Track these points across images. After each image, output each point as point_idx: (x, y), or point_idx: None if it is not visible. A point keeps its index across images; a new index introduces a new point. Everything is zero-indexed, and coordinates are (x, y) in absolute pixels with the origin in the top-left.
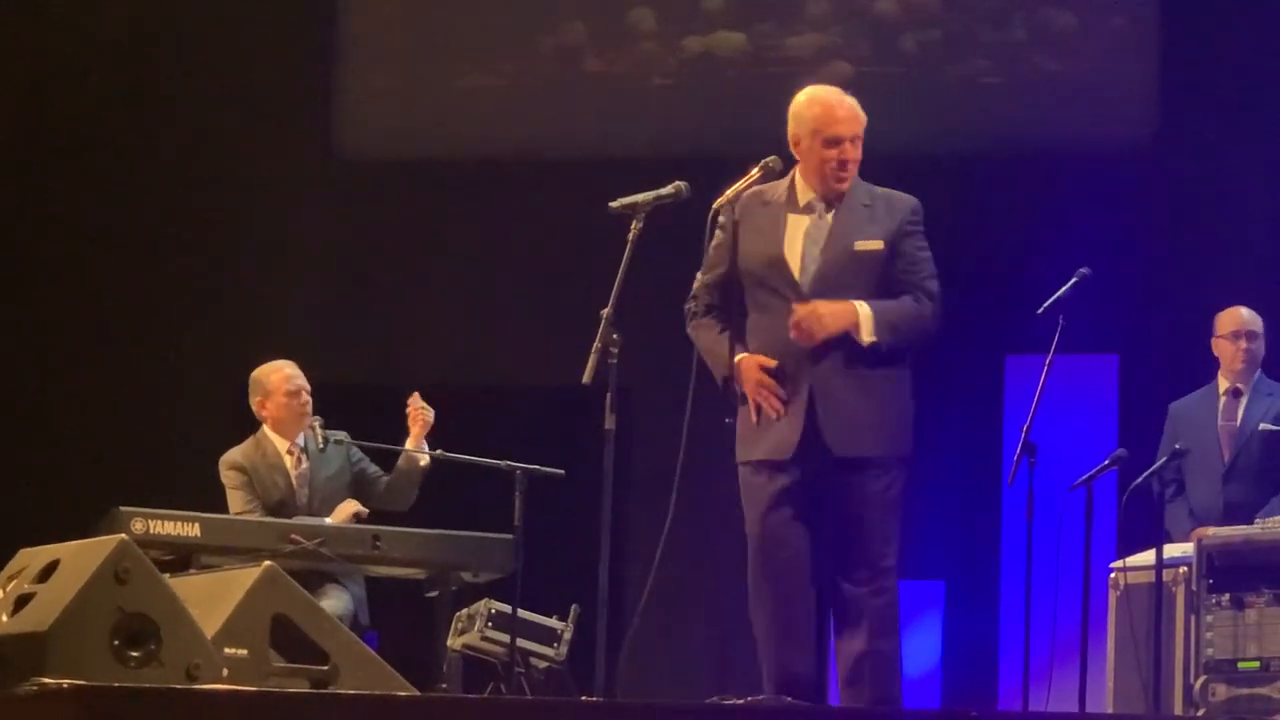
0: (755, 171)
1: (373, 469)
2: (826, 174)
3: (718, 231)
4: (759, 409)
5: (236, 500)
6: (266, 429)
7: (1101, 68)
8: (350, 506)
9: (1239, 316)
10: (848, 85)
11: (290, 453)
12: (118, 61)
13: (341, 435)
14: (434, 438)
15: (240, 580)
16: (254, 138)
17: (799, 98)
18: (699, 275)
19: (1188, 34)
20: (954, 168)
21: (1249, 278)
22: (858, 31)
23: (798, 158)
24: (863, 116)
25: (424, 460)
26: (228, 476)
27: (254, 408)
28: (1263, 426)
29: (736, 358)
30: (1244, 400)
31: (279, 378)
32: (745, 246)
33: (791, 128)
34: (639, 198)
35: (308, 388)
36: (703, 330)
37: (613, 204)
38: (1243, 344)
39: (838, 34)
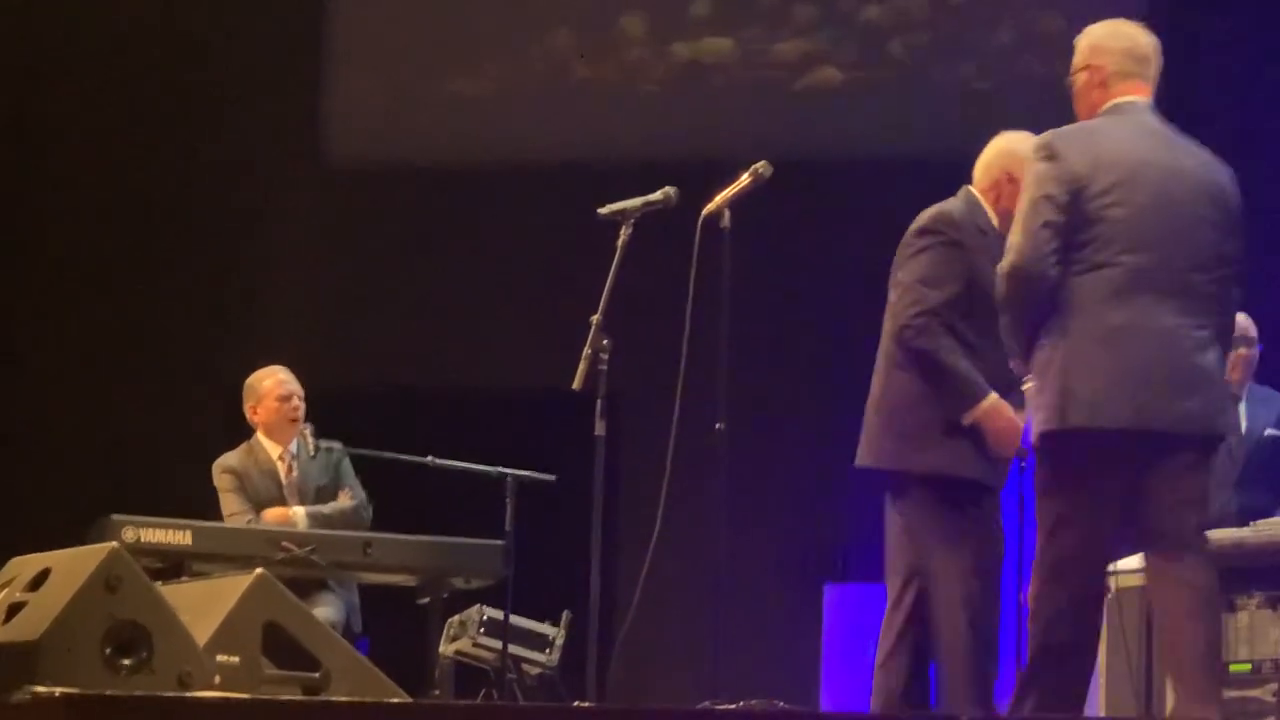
0: (745, 177)
1: (346, 485)
2: None
3: (942, 247)
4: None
5: (229, 502)
6: (259, 435)
7: None
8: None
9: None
10: (833, 92)
11: (282, 459)
12: (111, 70)
13: (336, 444)
14: (425, 444)
15: (232, 588)
16: (244, 145)
17: (1020, 139)
18: (925, 289)
19: (1176, 36)
20: (943, 173)
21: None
22: (845, 37)
23: (991, 194)
24: None
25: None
26: (221, 480)
27: (247, 413)
28: (1269, 432)
29: (992, 397)
30: (1242, 406)
31: (271, 383)
32: (978, 274)
33: (1009, 165)
34: (628, 204)
35: (300, 393)
36: (953, 354)
37: (602, 210)
38: (1241, 350)
39: (825, 39)
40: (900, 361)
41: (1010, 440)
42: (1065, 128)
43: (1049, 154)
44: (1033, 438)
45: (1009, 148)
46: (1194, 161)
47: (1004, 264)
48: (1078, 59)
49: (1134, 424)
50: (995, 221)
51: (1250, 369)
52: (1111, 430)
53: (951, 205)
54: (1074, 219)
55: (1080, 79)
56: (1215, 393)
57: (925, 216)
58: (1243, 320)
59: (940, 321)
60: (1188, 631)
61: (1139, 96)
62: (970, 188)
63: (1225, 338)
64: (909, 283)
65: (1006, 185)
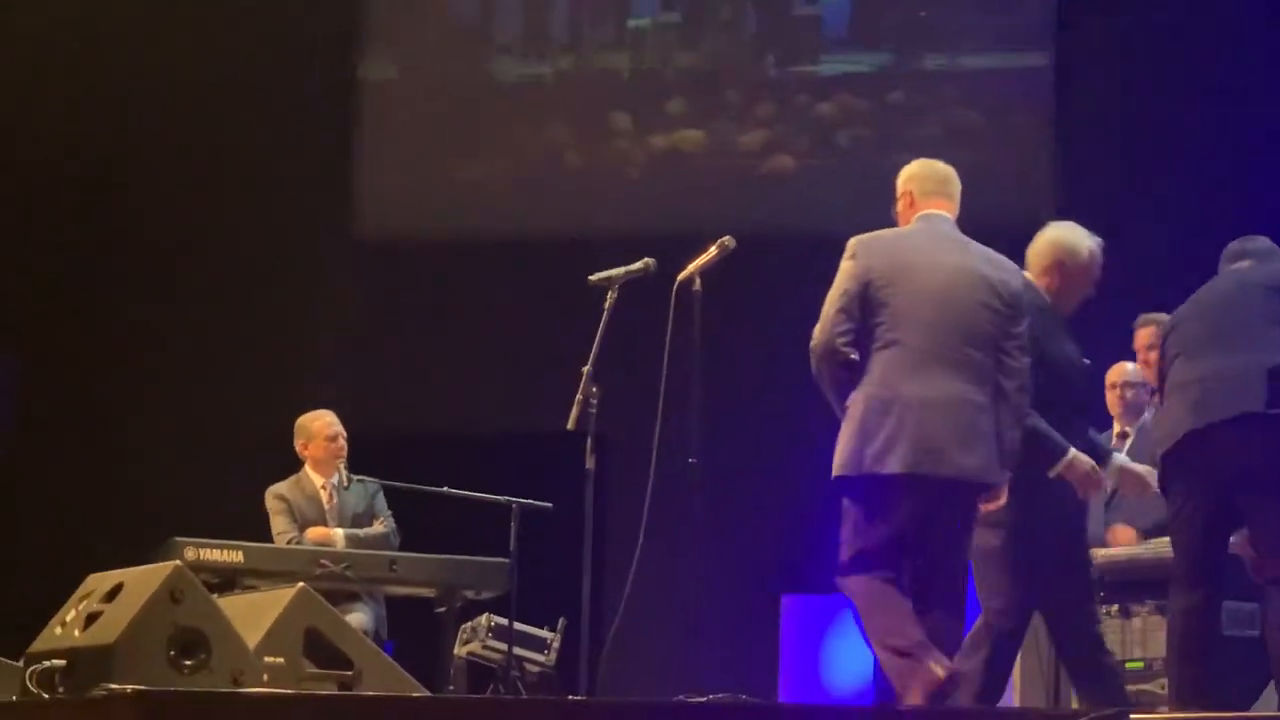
0: (713, 249)
1: (380, 515)
2: (1077, 301)
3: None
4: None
5: (278, 523)
6: (307, 468)
7: (1004, 158)
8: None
9: (1120, 369)
10: (790, 176)
11: (325, 489)
12: (186, 159)
13: (372, 481)
14: (441, 476)
15: (278, 599)
16: (290, 224)
17: (1067, 228)
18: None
19: (1078, 127)
20: None
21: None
22: (799, 129)
23: (1063, 281)
24: None
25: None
26: (272, 504)
27: (297, 449)
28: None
29: (1071, 452)
30: (1129, 441)
31: (320, 424)
32: (1043, 345)
33: (1058, 253)
34: (613, 272)
35: (344, 433)
36: (1033, 417)
37: (591, 277)
38: (1122, 394)
39: (782, 131)
40: None
41: (1094, 485)
42: (873, 233)
43: (851, 255)
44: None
45: (1057, 236)
46: (978, 260)
47: (812, 342)
48: (898, 187)
49: (916, 470)
50: (1050, 300)
51: (1135, 409)
52: (898, 475)
53: None
54: (867, 306)
55: (899, 204)
56: (987, 448)
57: None
58: (1128, 366)
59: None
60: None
61: (942, 211)
62: (1025, 272)
63: (1004, 401)
64: None
65: (1056, 271)
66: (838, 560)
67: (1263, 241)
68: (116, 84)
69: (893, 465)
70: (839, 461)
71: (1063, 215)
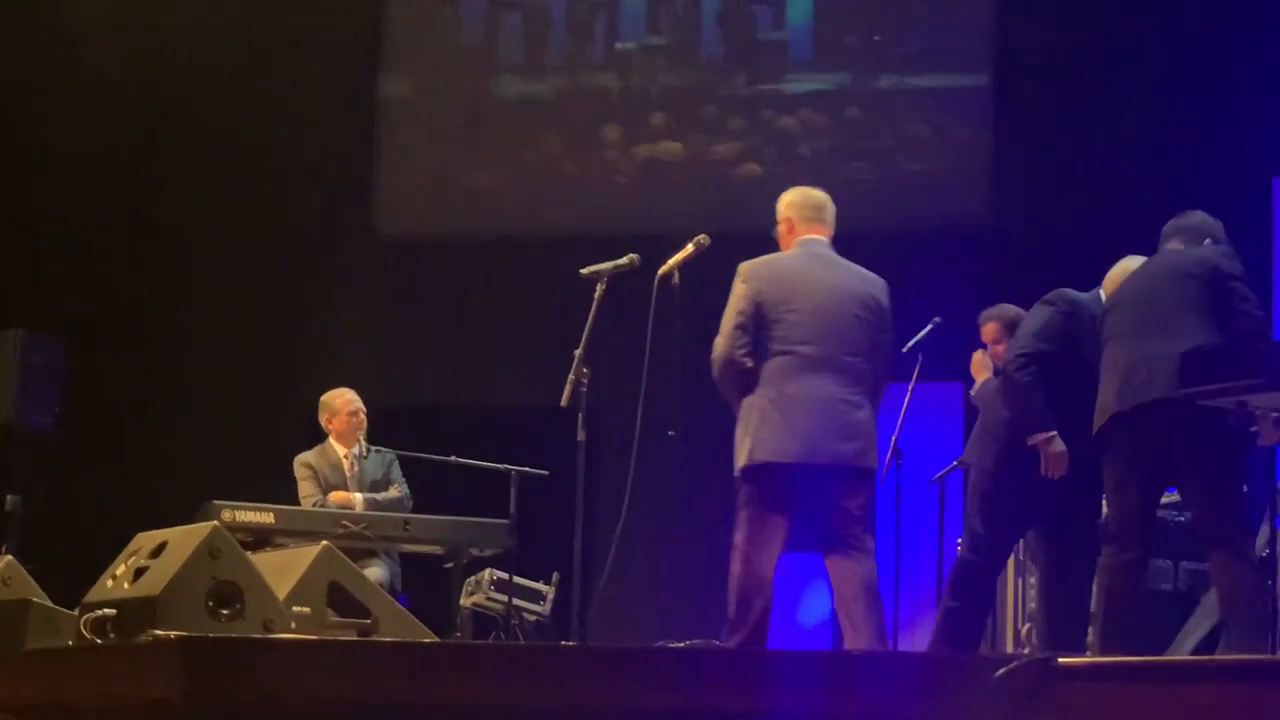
0: (690, 246)
1: (395, 482)
2: None
3: (1059, 315)
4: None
5: (304, 488)
6: (331, 439)
7: (948, 166)
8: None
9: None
10: (759, 182)
11: (347, 458)
12: (223, 166)
13: (389, 451)
14: (449, 447)
15: (304, 556)
16: (317, 224)
17: (1129, 260)
18: (1038, 342)
19: (1015, 139)
20: (841, 245)
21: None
22: (766, 141)
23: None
24: None
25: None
26: (299, 471)
27: (322, 423)
28: None
29: (1052, 431)
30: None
31: (342, 401)
32: (1082, 346)
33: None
34: (602, 266)
35: (364, 409)
36: (1039, 391)
37: (583, 271)
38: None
39: (751, 143)
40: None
41: (1055, 466)
42: (759, 259)
43: (743, 279)
44: (735, 470)
45: (1125, 265)
46: (852, 279)
47: (714, 354)
48: (779, 213)
49: (802, 459)
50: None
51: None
52: (787, 464)
53: (1080, 294)
54: (759, 322)
55: (780, 228)
56: (863, 439)
57: (1055, 292)
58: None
59: (1038, 365)
60: (861, 603)
61: (819, 235)
62: (1099, 289)
63: (875, 398)
64: (1021, 331)
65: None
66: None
67: (1194, 218)
68: (165, 91)
69: (782, 456)
70: (739, 453)
71: (1000, 219)
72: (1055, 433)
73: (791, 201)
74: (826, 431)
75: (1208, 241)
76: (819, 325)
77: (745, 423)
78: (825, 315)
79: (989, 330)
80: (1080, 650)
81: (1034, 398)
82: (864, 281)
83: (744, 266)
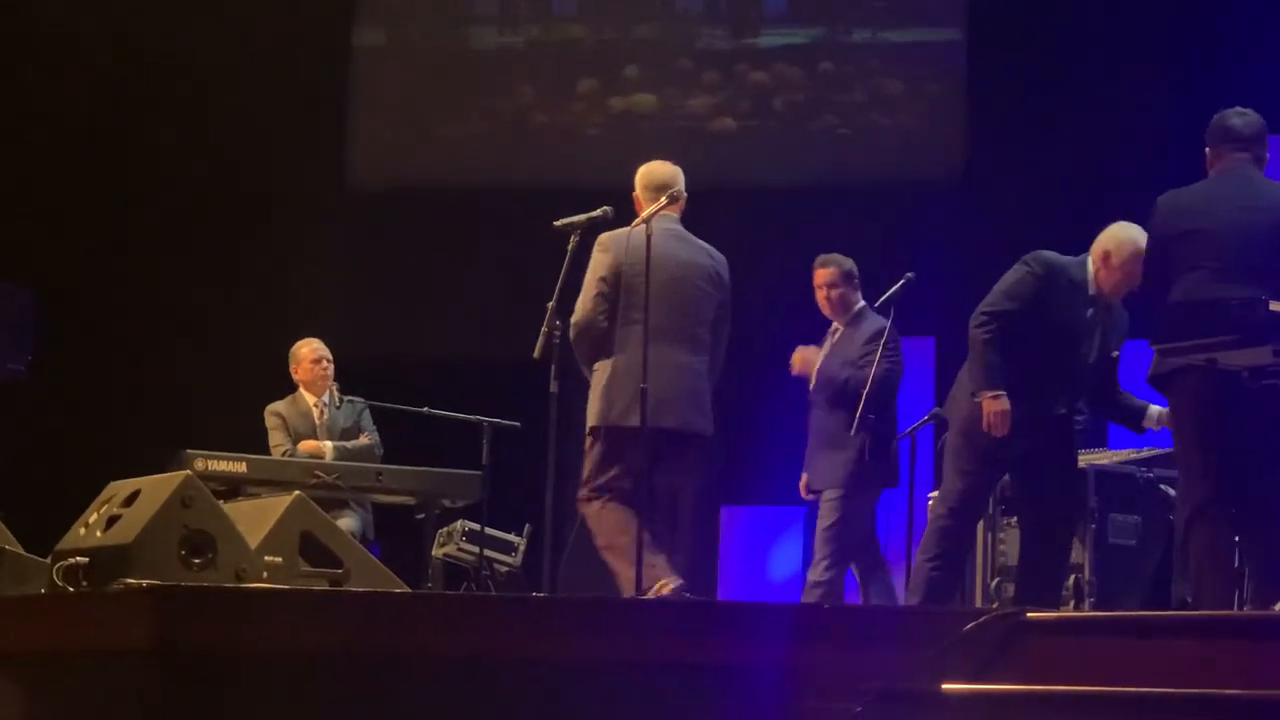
0: (597, 212)
1: (366, 430)
2: (1121, 291)
3: (1031, 276)
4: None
5: (274, 437)
6: (301, 389)
7: (921, 122)
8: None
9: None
10: (731, 136)
11: (316, 406)
12: (193, 114)
13: (359, 399)
14: (422, 398)
15: (276, 506)
16: (290, 174)
17: (1122, 227)
18: (1006, 300)
19: (988, 94)
20: (814, 200)
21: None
22: (740, 95)
23: (1107, 271)
24: None
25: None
26: (270, 420)
27: (291, 373)
28: None
29: (998, 390)
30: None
31: (307, 350)
32: (1054, 309)
33: (1107, 244)
34: (576, 218)
35: (329, 357)
36: (996, 350)
37: (556, 222)
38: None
39: (724, 97)
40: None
41: (998, 424)
42: (618, 230)
43: (604, 249)
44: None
45: (1114, 232)
46: (699, 254)
47: (573, 317)
48: (636, 187)
49: (651, 423)
50: (1092, 284)
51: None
52: (636, 427)
53: (1061, 257)
54: (615, 291)
55: (637, 203)
56: (705, 404)
57: (1033, 254)
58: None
59: (1000, 324)
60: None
61: (670, 210)
62: (1087, 255)
63: (716, 366)
64: (995, 288)
65: (1101, 260)
66: (579, 489)
67: (1260, 122)
68: (135, 39)
69: (632, 419)
70: (591, 414)
71: (973, 171)
72: (1002, 392)
73: (642, 180)
74: (679, 399)
75: None
76: (670, 297)
77: (601, 385)
78: (678, 288)
79: (824, 275)
80: (1055, 606)
81: (988, 355)
82: (710, 256)
83: (604, 237)
